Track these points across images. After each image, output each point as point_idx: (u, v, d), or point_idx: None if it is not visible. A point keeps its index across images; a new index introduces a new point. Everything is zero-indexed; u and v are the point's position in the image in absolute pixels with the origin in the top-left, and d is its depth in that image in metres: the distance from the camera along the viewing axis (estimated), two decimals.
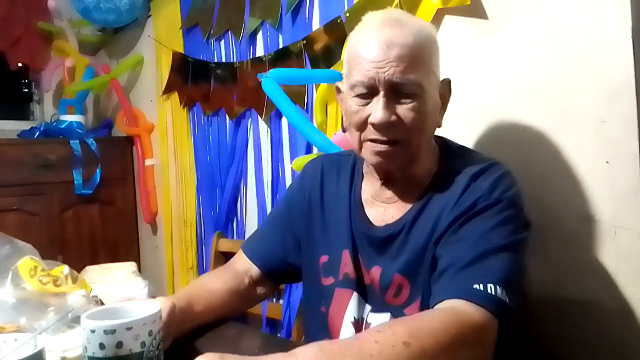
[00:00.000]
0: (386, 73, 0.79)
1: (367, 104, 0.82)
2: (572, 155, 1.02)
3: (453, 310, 0.69)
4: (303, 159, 1.46)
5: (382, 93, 0.80)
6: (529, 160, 1.07)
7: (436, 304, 0.73)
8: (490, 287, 0.71)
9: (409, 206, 0.88)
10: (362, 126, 0.83)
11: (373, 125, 0.81)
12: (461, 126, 1.17)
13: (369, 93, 0.81)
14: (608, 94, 0.96)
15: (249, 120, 1.88)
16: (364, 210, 0.93)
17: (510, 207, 0.80)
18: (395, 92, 0.80)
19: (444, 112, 0.90)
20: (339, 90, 0.94)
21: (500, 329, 0.70)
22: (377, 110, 0.80)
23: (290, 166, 1.65)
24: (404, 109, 0.81)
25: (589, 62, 0.99)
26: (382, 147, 0.83)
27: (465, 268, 0.74)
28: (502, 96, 1.12)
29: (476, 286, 0.71)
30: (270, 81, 1.43)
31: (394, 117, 0.80)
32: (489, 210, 0.79)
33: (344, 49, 1.35)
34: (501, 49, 1.12)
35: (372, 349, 0.59)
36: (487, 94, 1.15)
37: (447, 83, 0.89)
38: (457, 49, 1.20)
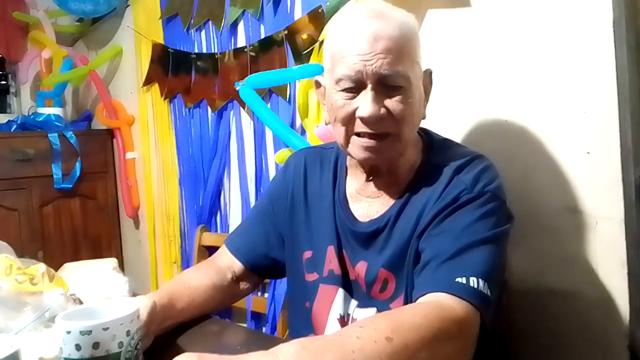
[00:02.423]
0: (374, 66, 0.78)
1: (354, 97, 0.81)
2: (554, 147, 1.02)
3: (436, 304, 0.69)
4: (286, 152, 1.45)
5: (370, 86, 0.79)
6: (511, 152, 1.07)
7: (419, 297, 0.73)
8: (473, 280, 0.71)
9: (393, 200, 0.87)
10: (348, 120, 0.82)
11: (362, 119, 0.80)
12: (444, 118, 1.17)
13: (356, 87, 0.80)
14: (590, 85, 0.96)
15: (231, 112, 1.85)
16: (348, 206, 0.92)
17: (493, 200, 0.80)
18: (382, 85, 0.79)
19: (427, 103, 0.89)
20: (318, 85, 0.92)
21: (481, 321, 0.71)
22: (365, 104, 0.79)
23: (274, 159, 1.64)
24: (393, 102, 0.80)
25: (571, 53, 0.98)
26: (371, 142, 0.82)
27: (448, 261, 0.74)
28: (485, 88, 1.12)
29: (459, 279, 0.71)
30: (247, 89, 1.42)
31: (383, 110, 0.80)
32: (471, 203, 0.79)
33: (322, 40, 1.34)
34: (484, 41, 1.12)
35: (354, 345, 0.58)
36: (469, 86, 1.15)
37: (429, 74, 0.89)
38: (440, 39, 1.19)
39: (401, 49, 0.79)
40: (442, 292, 0.70)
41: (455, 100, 1.17)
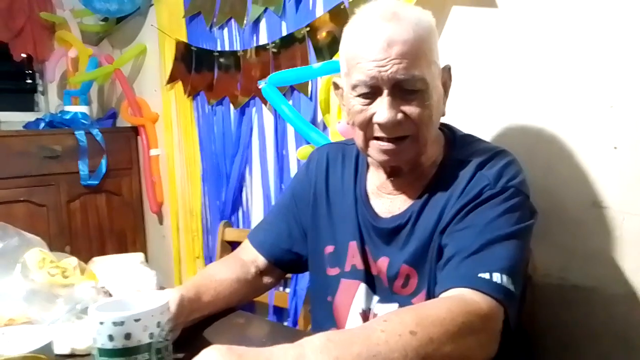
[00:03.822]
0: (389, 71, 0.77)
1: (371, 103, 0.81)
2: (580, 141, 1.01)
3: (460, 299, 0.69)
4: (308, 148, 1.46)
5: (385, 92, 0.79)
6: (535, 146, 1.06)
7: (442, 293, 0.73)
8: (496, 276, 0.71)
9: (415, 197, 0.87)
10: (366, 125, 0.82)
11: (379, 125, 0.80)
12: (467, 114, 1.16)
13: (372, 92, 0.80)
14: (617, 78, 0.95)
15: (254, 109, 1.87)
16: (370, 202, 0.92)
17: (516, 196, 0.80)
18: (399, 89, 0.79)
19: (447, 99, 0.89)
20: (336, 86, 0.92)
21: (505, 315, 0.71)
22: (382, 109, 0.79)
23: (296, 155, 1.65)
24: (410, 106, 0.79)
25: (598, 46, 0.97)
26: (389, 146, 0.82)
27: (471, 256, 0.74)
28: (509, 83, 1.11)
29: (482, 275, 0.71)
30: (270, 87, 1.42)
31: (400, 115, 0.79)
32: (495, 198, 0.79)
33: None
34: (508, 34, 1.11)
35: (379, 338, 0.59)
36: (493, 81, 1.14)
37: (447, 70, 0.88)
38: (464, 35, 1.18)
39: (416, 51, 0.78)
40: (466, 287, 0.70)
41: (479, 96, 1.16)
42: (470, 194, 0.80)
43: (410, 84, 0.78)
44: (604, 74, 0.97)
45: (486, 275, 0.71)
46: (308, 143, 1.53)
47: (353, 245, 0.92)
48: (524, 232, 0.79)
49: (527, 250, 0.81)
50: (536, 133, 1.06)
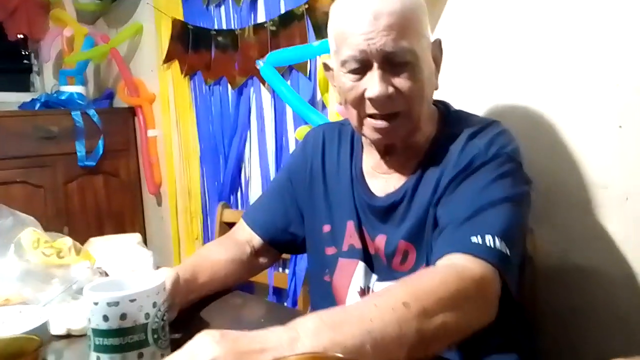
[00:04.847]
0: (377, 44, 0.76)
1: (361, 79, 0.80)
2: (584, 120, 0.99)
3: (452, 266, 0.68)
4: (306, 128, 1.44)
5: (375, 66, 0.78)
6: (539, 126, 1.05)
7: (436, 261, 0.72)
8: (489, 239, 0.69)
9: (409, 174, 0.87)
10: (358, 103, 0.82)
11: (371, 100, 0.79)
12: (467, 92, 1.14)
13: (362, 67, 0.79)
14: (623, 57, 0.93)
15: (251, 89, 1.84)
16: (365, 181, 0.92)
17: (509, 162, 0.79)
18: (389, 63, 0.78)
19: (439, 73, 0.87)
20: (327, 68, 0.91)
21: (504, 283, 0.69)
22: (373, 84, 0.78)
23: (294, 135, 1.63)
24: (401, 80, 0.79)
25: (604, 24, 0.95)
26: (382, 124, 0.81)
27: (464, 223, 0.73)
28: (512, 61, 1.09)
29: (474, 239, 0.70)
30: (268, 67, 1.40)
31: (391, 89, 0.78)
32: (486, 165, 0.78)
33: None
34: (512, 13, 1.08)
35: (372, 314, 0.58)
36: (496, 59, 1.12)
37: (438, 44, 0.87)
38: (468, 11, 1.15)
39: (404, 23, 0.77)
40: (459, 252, 0.69)
41: (481, 75, 1.14)
42: (461, 164, 0.79)
43: (399, 56, 0.77)
44: (609, 52, 0.94)
45: (479, 239, 0.69)
46: (307, 123, 1.51)
47: (350, 225, 0.92)
48: (518, 197, 0.77)
49: (524, 217, 0.79)
50: (539, 112, 1.05)
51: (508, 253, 0.70)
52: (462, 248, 0.69)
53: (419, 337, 0.58)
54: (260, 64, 1.49)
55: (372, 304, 0.60)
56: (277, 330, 0.55)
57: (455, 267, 0.68)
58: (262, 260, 1.05)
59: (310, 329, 0.55)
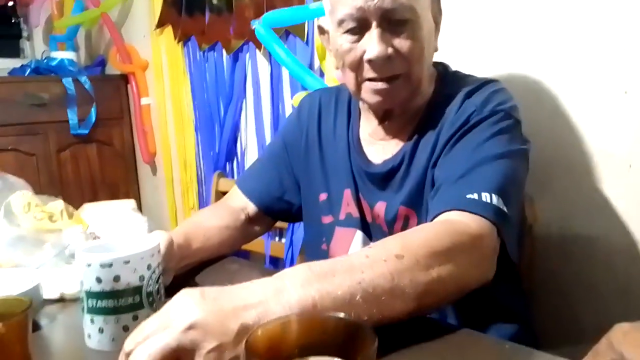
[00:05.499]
0: (376, 1, 0.73)
1: (359, 40, 0.77)
2: (587, 85, 0.97)
3: (447, 221, 0.66)
4: (304, 95, 1.41)
5: (374, 24, 0.75)
6: (543, 91, 1.02)
7: (432, 219, 0.70)
8: (485, 196, 0.68)
9: (406, 139, 0.85)
10: (357, 65, 0.79)
11: (370, 62, 0.77)
12: (468, 57, 1.11)
13: (360, 27, 0.76)
14: (629, 21, 0.90)
15: (247, 54, 1.80)
16: (362, 149, 0.90)
17: (506, 119, 0.77)
18: (388, 21, 0.75)
19: (438, 33, 0.84)
20: (322, 30, 0.88)
21: (502, 241, 0.68)
22: (372, 44, 0.75)
23: (291, 102, 1.59)
24: (400, 39, 0.76)
25: None
26: (382, 85, 0.79)
27: (459, 180, 0.71)
28: (513, 24, 1.06)
29: (470, 195, 0.68)
30: (264, 28, 1.35)
31: (390, 50, 0.76)
32: (482, 123, 0.76)
33: None
34: None
35: (362, 264, 0.56)
36: (497, 21, 1.08)
37: (437, 2, 0.84)
38: None
39: None
40: (454, 209, 0.68)
41: (481, 37, 1.11)
42: (457, 123, 0.77)
43: (398, 13, 0.74)
44: (615, 15, 0.91)
45: (474, 196, 0.68)
46: (304, 89, 1.47)
47: (347, 194, 0.90)
48: (516, 154, 0.75)
49: (522, 175, 0.77)
50: (542, 77, 1.02)
51: (505, 209, 0.68)
52: (458, 205, 0.68)
53: (412, 290, 0.56)
54: (255, 24, 1.44)
55: (364, 255, 0.57)
56: (262, 282, 0.53)
57: (450, 222, 0.66)
58: (256, 227, 1.03)
59: (298, 279, 0.52)
